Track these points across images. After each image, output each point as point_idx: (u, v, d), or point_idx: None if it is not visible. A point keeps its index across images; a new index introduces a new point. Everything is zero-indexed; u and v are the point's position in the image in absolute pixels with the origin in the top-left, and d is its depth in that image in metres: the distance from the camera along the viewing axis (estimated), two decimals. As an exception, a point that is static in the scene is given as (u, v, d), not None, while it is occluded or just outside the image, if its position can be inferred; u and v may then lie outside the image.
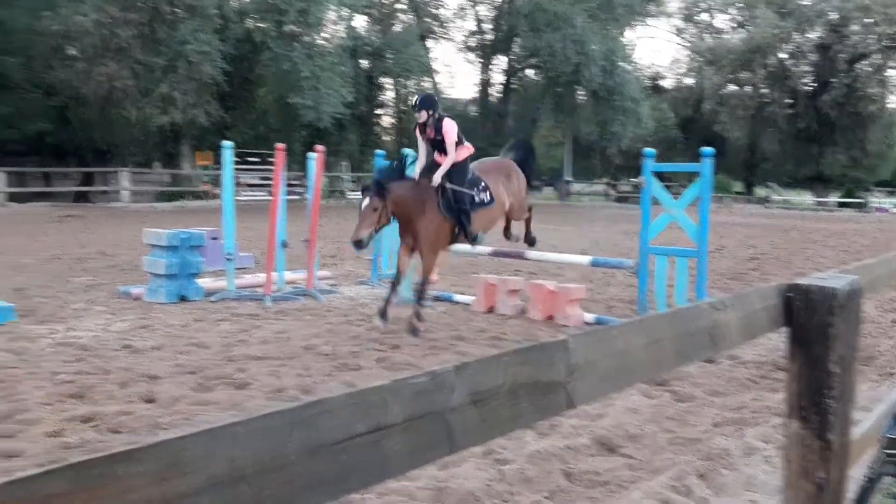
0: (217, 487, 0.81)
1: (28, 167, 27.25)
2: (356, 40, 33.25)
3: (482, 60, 42.68)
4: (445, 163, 7.51)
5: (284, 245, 9.32)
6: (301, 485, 0.86)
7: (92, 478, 0.73)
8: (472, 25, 42.69)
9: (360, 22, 36.17)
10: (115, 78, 24.62)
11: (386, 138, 40.20)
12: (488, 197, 7.75)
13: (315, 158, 9.67)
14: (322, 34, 30.60)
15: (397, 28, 38.04)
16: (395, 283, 7.53)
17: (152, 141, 30.62)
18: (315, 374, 5.88)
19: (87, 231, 16.70)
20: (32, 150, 28.07)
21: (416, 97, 7.94)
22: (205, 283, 9.09)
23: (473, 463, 4.02)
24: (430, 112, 7.59)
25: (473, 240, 7.67)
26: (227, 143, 9.32)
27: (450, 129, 7.54)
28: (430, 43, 40.82)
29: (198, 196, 27.07)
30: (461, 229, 7.56)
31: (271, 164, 25.19)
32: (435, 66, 41.52)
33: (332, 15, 31.47)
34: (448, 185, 7.51)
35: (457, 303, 9.09)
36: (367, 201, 7.14)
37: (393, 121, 42.08)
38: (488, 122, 41.01)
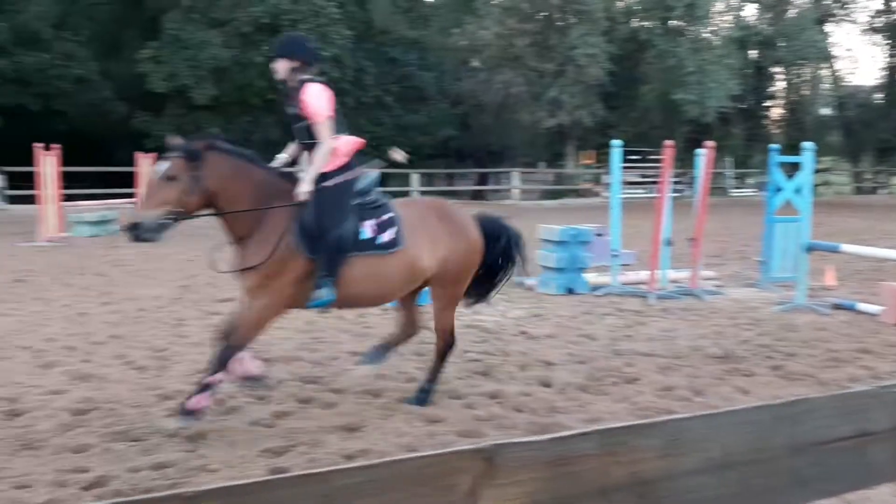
0: (709, 470, 0.89)
1: (435, 168, 30.80)
2: (745, 30, 31.59)
3: (890, 42, 37.60)
4: (316, 159, 4.64)
5: (669, 243, 9.26)
6: (785, 479, 0.91)
7: (613, 443, 0.86)
8: (880, 4, 37.83)
9: (750, 10, 34.26)
10: (511, 85, 26.74)
11: (775, 131, 37.49)
12: (389, 236, 4.75)
13: (704, 155, 9.45)
14: (708, 27, 29.63)
15: (791, 13, 35.23)
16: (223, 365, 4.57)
17: (540, 142, 32.49)
18: (705, 376, 5.79)
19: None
20: (440, 153, 31.59)
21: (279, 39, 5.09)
22: (590, 277, 9.42)
23: (890, 487, 3.64)
24: (294, 64, 4.75)
25: (325, 305, 4.70)
26: (615, 142, 9.54)
27: (314, 97, 4.63)
28: (828, 27, 37.10)
29: (580, 194, 28.09)
30: (322, 279, 4.58)
31: (652, 161, 25.25)
32: (834, 51, 37.58)
33: (719, 6, 30.32)
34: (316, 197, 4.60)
35: (861, 312, 8.21)
36: (163, 166, 4.44)
37: (784, 112, 39.11)
38: (896, 112, 36.07)
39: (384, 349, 5.34)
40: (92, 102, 26.07)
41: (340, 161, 4.73)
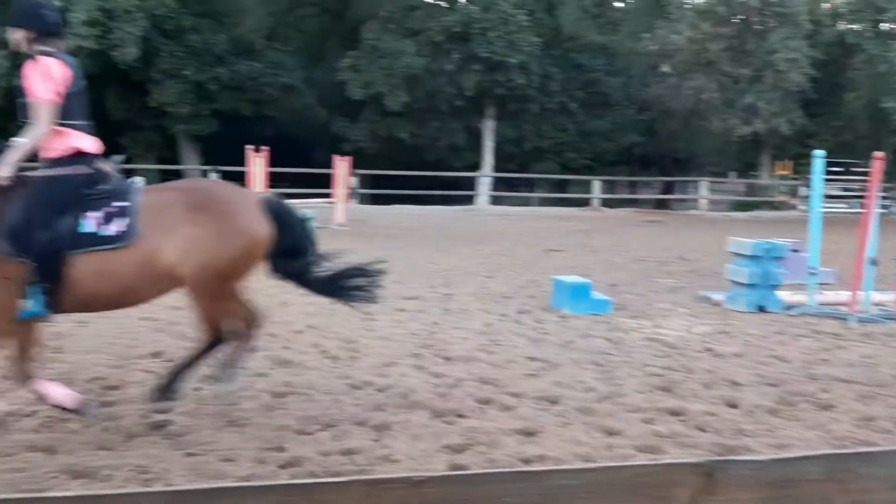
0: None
1: (617, 176, 30.24)
2: (970, 33, 28.57)
3: None
4: (21, 142, 4.13)
5: (874, 263, 8.55)
6: None
7: (840, 471, 0.85)
8: None
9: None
10: (703, 91, 25.72)
11: None
12: (118, 228, 4.11)
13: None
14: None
15: None
16: None
17: (731, 151, 31.04)
18: (913, 410, 5.32)
19: (668, 236, 17.72)
20: (622, 160, 31.02)
21: None
22: (783, 295, 8.90)
23: None
24: (30, 35, 4.24)
25: (36, 316, 4.12)
26: (817, 153, 8.97)
27: (33, 72, 4.12)
28: None
29: (775, 206, 26.58)
30: (32, 287, 4.03)
31: (855, 174, 23.33)
32: None
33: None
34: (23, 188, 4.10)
35: None
36: None
37: None
38: None
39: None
40: (296, 108, 28.03)
41: (65, 150, 4.18)
